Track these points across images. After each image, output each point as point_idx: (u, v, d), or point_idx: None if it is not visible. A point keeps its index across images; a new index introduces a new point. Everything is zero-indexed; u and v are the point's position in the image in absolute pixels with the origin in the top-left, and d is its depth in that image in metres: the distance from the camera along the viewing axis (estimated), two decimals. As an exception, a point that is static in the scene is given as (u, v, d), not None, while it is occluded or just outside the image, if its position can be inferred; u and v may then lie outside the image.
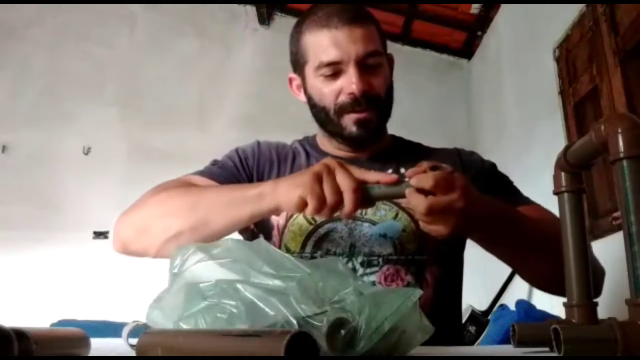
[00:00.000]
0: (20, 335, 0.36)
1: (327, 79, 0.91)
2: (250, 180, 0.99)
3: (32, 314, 2.57)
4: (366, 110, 0.91)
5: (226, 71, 3.62)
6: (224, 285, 0.48)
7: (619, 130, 0.47)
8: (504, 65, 3.18)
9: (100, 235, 3.32)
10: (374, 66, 0.91)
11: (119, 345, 0.55)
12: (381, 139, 1.01)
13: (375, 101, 0.91)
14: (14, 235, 3.13)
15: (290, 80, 1.02)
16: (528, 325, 0.56)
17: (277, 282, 0.47)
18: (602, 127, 0.48)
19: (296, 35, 0.96)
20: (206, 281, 0.50)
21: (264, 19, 3.70)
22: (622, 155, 0.46)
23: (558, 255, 0.77)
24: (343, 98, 0.91)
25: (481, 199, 0.73)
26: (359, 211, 0.92)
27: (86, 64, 3.55)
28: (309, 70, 0.94)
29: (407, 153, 1.01)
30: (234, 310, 0.46)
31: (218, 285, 0.48)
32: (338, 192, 0.70)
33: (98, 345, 0.52)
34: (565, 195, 0.56)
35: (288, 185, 0.74)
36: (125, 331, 0.55)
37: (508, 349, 0.60)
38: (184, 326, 0.48)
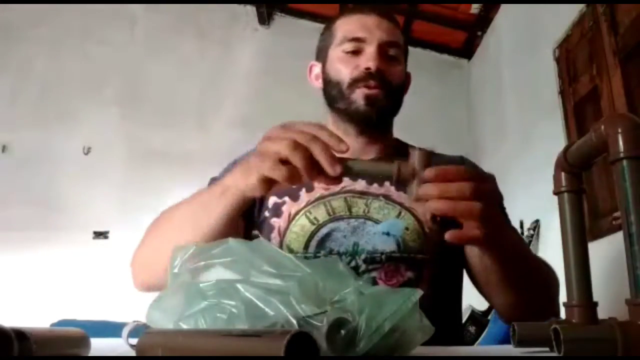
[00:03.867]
0: (20, 335, 0.36)
1: (347, 54, 0.98)
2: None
3: (32, 314, 2.57)
4: (377, 87, 0.95)
5: (226, 71, 3.62)
6: (224, 285, 0.48)
7: (619, 130, 0.47)
8: (504, 65, 3.18)
9: (100, 235, 3.33)
10: (392, 58, 0.98)
11: (119, 345, 0.55)
12: (384, 134, 1.03)
13: (387, 84, 0.96)
14: (14, 236, 3.13)
15: (311, 68, 1.07)
16: (528, 325, 0.56)
17: (277, 282, 0.47)
18: (602, 127, 0.48)
19: (329, 25, 1.05)
20: (206, 281, 0.50)
21: (264, 19, 3.70)
22: (622, 155, 0.46)
23: (532, 292, 0.81)
24: (358, 71, 0.96)
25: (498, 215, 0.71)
26: (362, 209, 0.93)
27: (86, 64, 3.55)
28: (333, 49, 1.01)
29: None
30: (234, 310, 0.46)
31: (218, 285, 0.48)
32: (301, 154, 0.61)
33: (98, 345, 0.52)
34: (565, 195, 0.56)
35: (242, 169, 0.70)
36: (125, 331, 0.54)
37: (508, 349, 0.60)
38: (184, 326, 0.48)
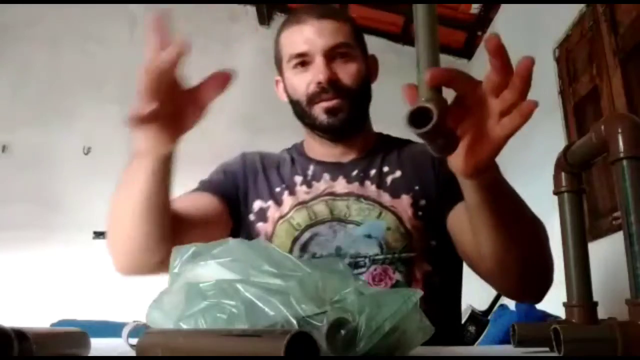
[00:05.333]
0: (20, 335, 0.36)
1: (298, 71, 0.95)
2: (238, 194, 0.99)
3: (32, 314, 2.57)
4: (334, 98, 0.92)
5: (226, 71, 3.62)
6: (224, 285, 0.48)
7: (619, 130, 0.47)
8: (504, 65, 3.18)
9: (100, 235, 3.32)
10: (343, 59, 0.94)
11: (119, 345, 0.55)
12: (361, 133, 1.01)
13: (343, 91, 0.93)
14: (13, 235, 3.13)
15: (277, 83, 1.06)
16: (528, 325, 0.56)
17: (277, 281, 0.47)
18: (602, 127, 0.48)
19: (277, 38, 1.02)
20: (206, 281, 0.50)
21: (264, 19, 3.70)
22: (622, 155, 0.46)
23: (522, 238, 0.70)
24: (312, 88, 0.93)
25: None
26: (343, 212, 0.92)
27: (86, 64, 3.55)
28: (285, 65, 0.98)
29: (392, 150, 1.01)
30: (234, 310, 0.46)
31: (218, 285, 0.48)
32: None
33: (98, 345, 0.52)
34: (565, 195, 0.56)
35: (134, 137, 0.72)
36: (125, 331, 0.55)
37: (508, 349, 0.60)
38: (184, 326, 0.48)
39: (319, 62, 0.92)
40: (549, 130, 2.44)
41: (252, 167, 1.02)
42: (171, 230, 0.81)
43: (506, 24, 3.18)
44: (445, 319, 0.93)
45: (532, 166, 2.60)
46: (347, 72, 0.93)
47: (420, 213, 0.91)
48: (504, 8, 3.18)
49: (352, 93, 0.94)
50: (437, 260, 0.91)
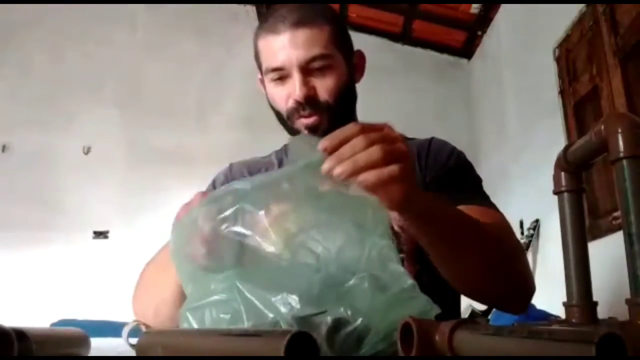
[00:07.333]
0: (20, 335, 0.36)
1: (276, 83, 0.93)
2: None
3: (32, 314, 2.57)
4: (312, 115, 0.91)
5: (226, 71, 3.62)
6: (230, 282, 0.48)
7: (619, 130, 0.47)
8: (504, 65, 3.18)
9: (100, 235, 3.33)
10: (321, 70, 0.91)
11: (119, 345, 0.55)
12: None
13: (321, 106, 0.91)
14: (14, 235, 3.13)
15: (260, 82, 1.03)
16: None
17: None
18: (602, 127, 0.48)
19: (255, 40, 0.98)
20: (215, 276, 0.50)
21: (264, 19, 3.70)
22: (622, 155, 0.46)
23: (488, 261, 0.75)
24: (290, 104, 0.91)
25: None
26: None
27: (86, 64, 3.55)
28: (264, 76, 0.96)
29: None
30: (236, 309, 0.46)
31: (226, 281, 0.49)
32: None
33: (98, 345, 0.52)
34: (565, 195, 0.56)
35: None
36: (125, 331, 0.55)
37: (508, 349, 0.60)
38: (190, 317, 0.48)
39: (295, 77, 0.90)
40: (549, 130, 2.44)
41: None
42: None
43: (506, 24, 3.18)
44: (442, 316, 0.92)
45: (532, 166, 2.60)
46: (324, 87, 0.91)
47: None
48: (504, 8, 3.18)
49: (331, 108, 0.92)
50: (424, 260, 0.91)
